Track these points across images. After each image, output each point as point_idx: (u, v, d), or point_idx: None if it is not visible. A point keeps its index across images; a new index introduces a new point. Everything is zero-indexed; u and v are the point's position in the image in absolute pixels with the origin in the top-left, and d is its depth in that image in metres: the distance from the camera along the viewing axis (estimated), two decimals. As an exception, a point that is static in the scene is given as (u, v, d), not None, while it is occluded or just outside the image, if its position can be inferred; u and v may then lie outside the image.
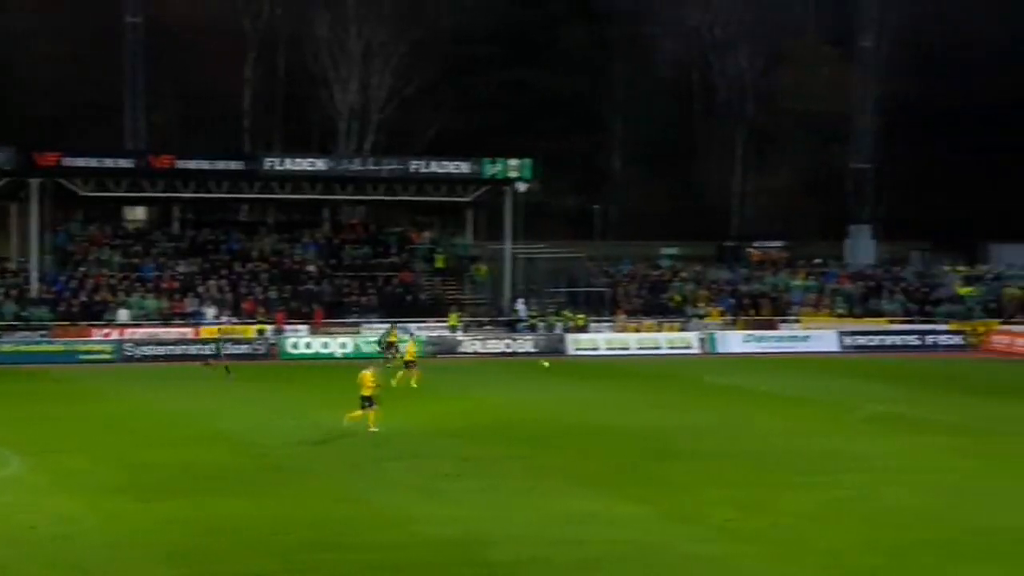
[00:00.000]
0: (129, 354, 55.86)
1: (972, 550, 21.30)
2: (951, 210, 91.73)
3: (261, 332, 58.76)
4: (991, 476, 28.17)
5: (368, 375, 33.61)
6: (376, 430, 32.88)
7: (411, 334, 53.96)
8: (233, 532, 22.28)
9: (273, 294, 62.57)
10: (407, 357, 45.33)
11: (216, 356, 50.31)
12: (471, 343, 59.93)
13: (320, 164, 64.65)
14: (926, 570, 20.13)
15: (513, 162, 64.58)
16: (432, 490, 26.16)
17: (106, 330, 57.75)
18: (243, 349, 56.63)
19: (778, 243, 79.10)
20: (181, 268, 63.59)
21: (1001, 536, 22.29)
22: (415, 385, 43.64)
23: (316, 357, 57.30)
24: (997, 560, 20.62)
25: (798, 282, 70.43)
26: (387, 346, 51.04)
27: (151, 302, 60.38)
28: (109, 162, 61.95)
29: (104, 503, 24.76)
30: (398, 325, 55.95)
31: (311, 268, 65.55)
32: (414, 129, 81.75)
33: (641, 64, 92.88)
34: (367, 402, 33.30)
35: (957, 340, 64.51)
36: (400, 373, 44.28)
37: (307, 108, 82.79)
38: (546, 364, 48.53)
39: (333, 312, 62.22)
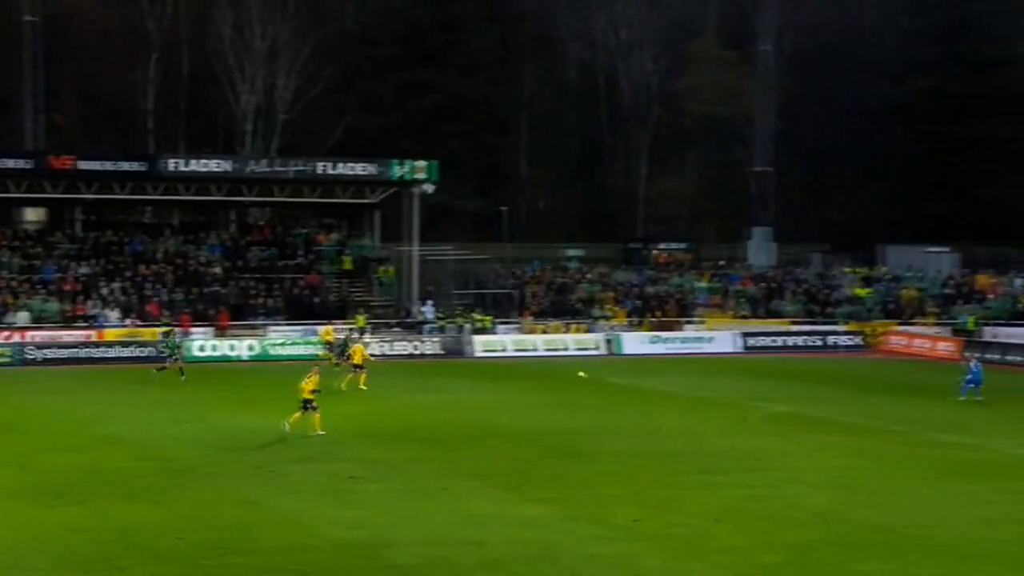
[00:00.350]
0: (29, 357, 54.80)
1: (871, 547, 21.64)
2: (848, 212, 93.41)
3: (166, 335, 57.97)
4: (888, 474, 28.66)
5: (313, 377, 33.14)
6: (322, 433, 32.53)
7: (358, 337, 53.42)
8: (133, 537, 21.96)
9: (178, 296, 61.81)
10: (355, 360, 44.87)
11: (171, 358, 48.22)
12: (377, 345, 59.63)
13: (225, 165, 63.96)
14: (826, 568, 20.40)
15: (419, 164, 64.45)
16: (337, 493, 26.01)
17: (5, 333, 56.63)
18: (146, 352, 55.86)
19: (682, 245, 79.86)
20: (83, 270, 62.55)
21: (898, 533, 22.69)
22: (364, 387, 43.49)
23: (222, 360, 56.69)
24: (895, 557, 20.98)
25: (702, 283, 71.12)
26: (342, 350, 50.18)
27: (52, 305, 59.32)
28: (9, 162, 60.82)
29: None
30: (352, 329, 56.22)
31: (216, 270, 64.83)
32: (319, 130, 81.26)
33: (547, 66, 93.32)
34: (307, 405, 32.87)
35: (856, 341, 65.53)
36: (349, 376, 43.94)
37: (211, 109, 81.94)
38: (583, 374, 46.39)
39: (238, 314, 61.62)
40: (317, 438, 32.29)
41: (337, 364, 48.22)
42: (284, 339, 59.06)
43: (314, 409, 32.82)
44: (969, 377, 42.04)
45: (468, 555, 21.03)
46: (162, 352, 49.72)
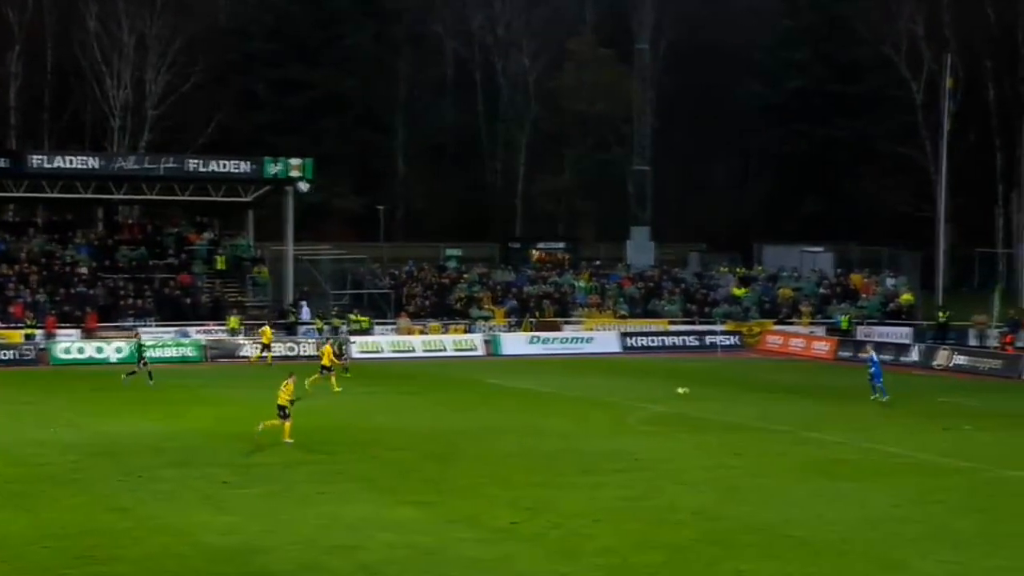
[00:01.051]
0: None
1: (748, 547, 21.99)
2: (726, 211, 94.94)
3: (29, 337, 56.80)
4: (764, 474, 29.16)
5: (290, 385, 32.50)
6: (291, 441, 31.89)
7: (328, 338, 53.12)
8: (-2, 547, 21.48)
9: (42, 297, 60.53)
10: (323, 362, 44.83)
11: (140, 362, 47.00)
12: (252, 347, 59.07)
13: (92, 162, 62.86)
14: (704, 567, 20.69)
15: (295, 161, 63.95)
16: (210, 498, 25.71)
17: None
18: (10, 355, 54.64)
19: (561, 244, 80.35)
20: (-58, 270, 61.02)
21: (775, 532, 23.09)
22: (338, 389, 43.82)
23: (89, 362, 55.65)
24: (772, 556, 21.34)
25: (581, 283, 71.64)
26: (340, 353, 49.45)
27: (-91, 306, 57.78)
28: None
29: None
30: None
31: (83, 270, 63.62)
32: (191, 127, 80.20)
33: (424, 64, 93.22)
34: (283, 412, 32.17)
35: (733, 340, 66.59)
36: (314, 376, 43.90)
37: (78, 104, 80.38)
38: (681, 391, 43.86)
39: (107, 316, 60.56)
40: (288, 446, 31.65)
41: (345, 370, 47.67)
42: (155, 341, 58.14)
43: (286, 417, 32.09)
44: (873, 371, 42.23)
45: (343, 560, 20.93)
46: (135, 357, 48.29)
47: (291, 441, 31.93)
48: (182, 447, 31.96)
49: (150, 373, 46.05)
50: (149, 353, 54.19)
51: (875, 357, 42.94)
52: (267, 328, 57.25)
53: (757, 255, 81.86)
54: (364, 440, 33.56)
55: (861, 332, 67.74)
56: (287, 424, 32.12)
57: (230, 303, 63.91)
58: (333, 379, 44.04)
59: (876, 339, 64.65)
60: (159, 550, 21.51)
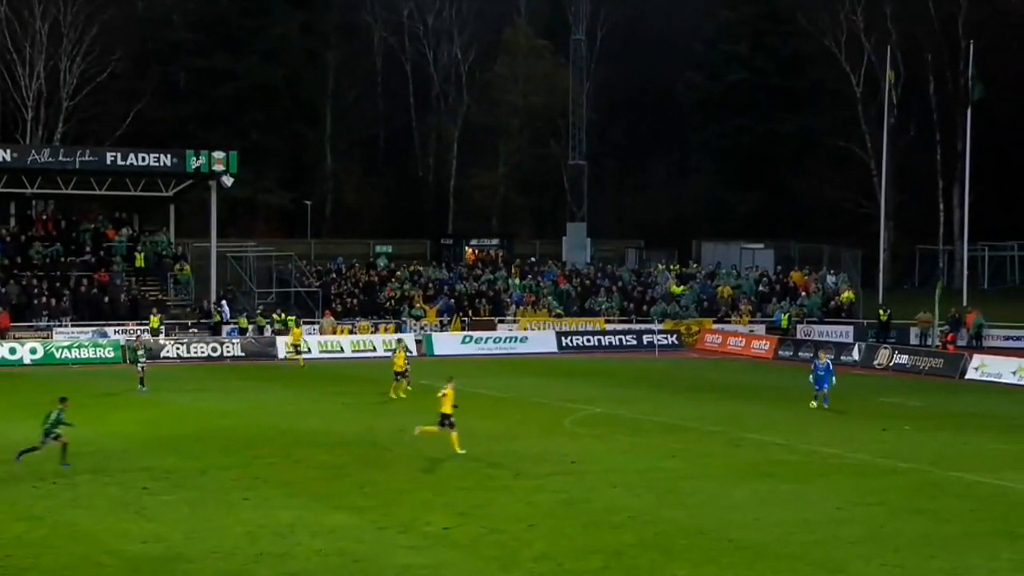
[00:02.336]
0: None
1: (686, 551, 22.15)
2: (664, 207, 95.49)
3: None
4: (702, 476, 29.36)
5: (450, 391, 31.45)
6: (463, 452, 30.88)
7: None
8: (-95, 558, 21.16)
9: (-48, 296, 59.77)
10: (396, 368, 43.59)
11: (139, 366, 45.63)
12: (174, 347, 58.64)
13: (4, 155, 61.98)
14: (641, 572, 20.81)
15: (217, 155, 63.47)
16: (130, 506, 25.48)
17: None
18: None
19: (495, 241, 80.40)
20: None
21: (713, 535, 23.27)
22: (403, 395, 42.93)
23: (2, 364, 54.94)
24: (709, 560, 21.52)
25: (515, 281, 71.72)
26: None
27: None
28: None
29: None
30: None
31: (-5, 268, 62.84)
32: (108, 118, 79.40)
33: (352, 54, 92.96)
34: (445, 421, 31.21)
35: (671, 339, 66.99)
36: (393, 384, 43.26)
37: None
38: (814, 405, 41.25)
39: (20, 315, 59.81)
40: (459, 456, 30.72)
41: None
42: (71, 341, 57.58)
43: (451, 426, 31.07)
44: (822, 374, 40.78)
45: (271, 569, 20.84)
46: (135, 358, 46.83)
47: (463, 451, 30.86)
48: (98, 452, 31.62)
49: (142, 379, 44.74)
50: (64, 354, 53.72)
51: (830, 364, 41.66)
52: (296, 328, 56.98)
53: (696, 252, 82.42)
54: (290, 444, 33.39)
55: (801, 331, 68.46)
56: (454, 434, 30.99)
57: (150, 302, 63.35)
58: (405, 384, 43.11)
59: (816, 338, 65.46)
60: (76, 560, 21.30)
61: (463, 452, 30.86)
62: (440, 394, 31.67)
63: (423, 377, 50.19)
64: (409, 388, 43.52)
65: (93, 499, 26.15)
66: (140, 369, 45.12)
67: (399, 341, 51.61)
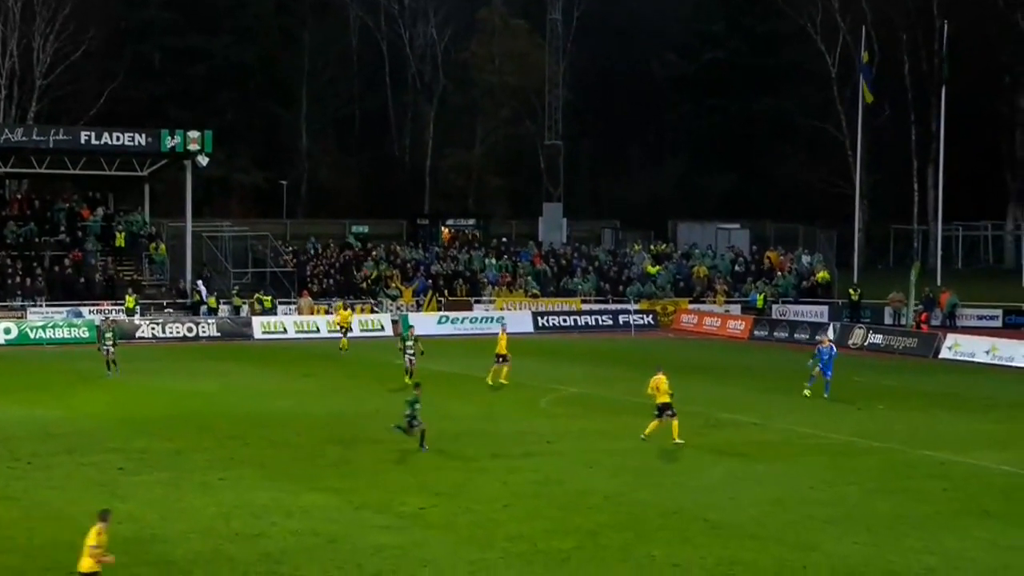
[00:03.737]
0: None
1: (661, 531, 22.23)
2: (640, 187, 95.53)
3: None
4: (677, 456, 29.46)
5: (663, 379, 30.40)
6: (681, 442, 30.02)
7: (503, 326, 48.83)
8: None
9: (-75, 276, 59.43)
10: (499, 350, 41.62)
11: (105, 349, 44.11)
12: (149, 327, 58.45)
13: (-25, 134, 61.62)
14: (616, 552, 20.88)
15: (192, 134, 63.13)
16: (104, 486, 25.42)
17: None
18: None
19: (471, 221, 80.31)
20: None
21: (688, 516, 23.37)
22: (504, 382, 41.29)
23: (-25, 344, 54.74)
24: (684, 541, 21.60)
25: (491, 261, 71.69)
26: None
27: None
28: None
29: None
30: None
31: (-32, 247, 62.50)
32: (82, 97, 78.93)
33: (328, 33, 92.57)
34: (666, 410, 30.21)
35: (647, 319, 67.07)
36: (494, 368, 41.71)
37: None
38: (808, 392, 38.83)
39: (-6, 295, 59.60)
40: (674, 446, 29.92)
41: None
42: (46, 321, 57.34)
43: (673, 415, 30.21)
44: (826, 359, 38.85)
45: (246, 548, 20.83)
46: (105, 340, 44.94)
47: (681, 441, 30.05)
48: (72, 433, 31.56)
49: (113, 362, 43.52)
50: (39, 335, 53.48)
51: (833, 349, 39.89)
52: (343, 309, 56.13)
53: (671, 232, 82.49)
54: (266, 424, 33.36)
55: (777, 311, 68.67)
56: (675, 422, 30.11)
57: (126, 282, 63.12)
58: (506, 370, 40.85)
59: (791, 318, 65.64)
60: (51, 540, 21.26)
61: (681, 442, 29.92)
62: (655, 384, 30.48)
63: (399, 358, 50.24)
64: (504, 380, 41.18)
65: (67, 480, 26.09)
66: (107, 352, 43.70)
67: (501, 321, 49.28)
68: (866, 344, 57.17)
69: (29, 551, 20.63)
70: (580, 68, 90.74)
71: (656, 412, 30.35)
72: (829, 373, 38.83)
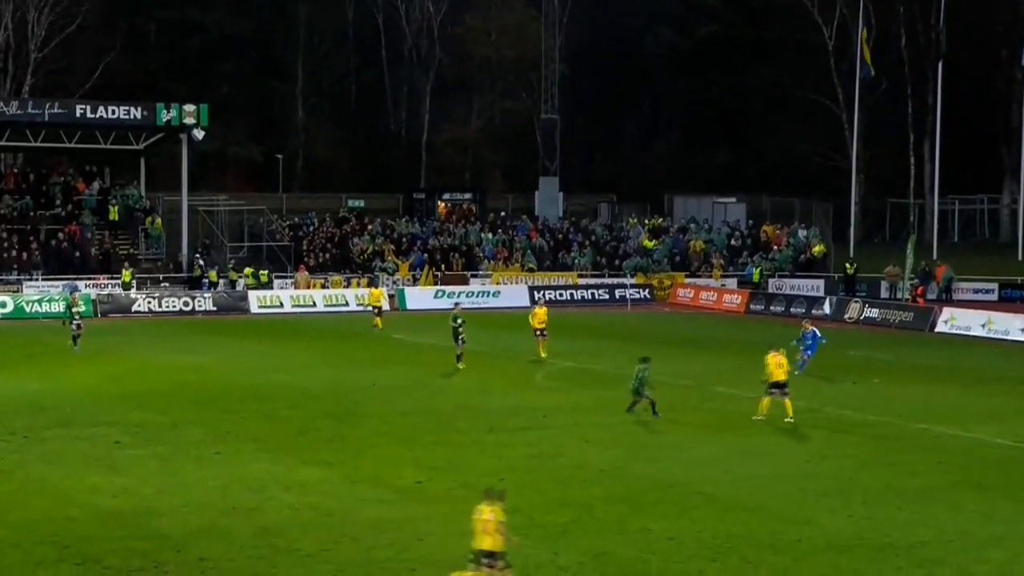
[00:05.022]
0: None
1: (656, 504, 22.24)
2: (636, 161, 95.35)
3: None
4: (673, 430, 29.44)
5: (779, 358, 30.04)
6: (792, 420, 29.42)
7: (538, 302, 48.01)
8: None
9: (-80, 250, 59.32)
10: (538, 324, 41.57)
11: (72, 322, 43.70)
12: (146, 301, 58.41)
13: (-29, 108, 61.43)
14: (612, 525, 20.89)
15: (188, 108, 62.97)
16: (101, 460, 25.41)
17: None
18: None
19: (467, 195, 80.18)
20: None
21: (682, 489, 23.38)
22: (544, 355, 41.22)
23: (-30, 319, 54.68)
24: (679, 514, 21.61)
25: (488, 235, 71.61)
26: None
27: None
28: None
29: None
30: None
31: (-36, 222, 62.39)
32: (77, 71, 78.65)
33: (323, 6, 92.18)
34: (781, 387, 29.74)
35: (643, 294, 67.07)
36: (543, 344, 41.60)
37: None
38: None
39: (-10, 269, 59.55)
40: (786, 424, 29.30)
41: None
42: (41, 295, 57.28)
43: (785, 394, 29.71)
44: (809, 343, 38.87)
45: (243, 522, 20.83)
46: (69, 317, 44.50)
47: (792, 419, 29.47)
48: (67, 406, 31.54)
49: (77, 336, 42.93)
50: (35, 308, 53.42)
51: (817, 333, 39.58)
52: (375, 288, 55.20)
53: (668, 206, 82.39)
54: (262, 398, 33.35)
55: (773, 285, 68.67)
56: (788, 400, 29.66)
57: (122, 256, 63.02)
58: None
59: (787, 292, 65.64)
60: (47, 514, 21.24)
61: (792, 420, 29.43)
62: (771, 361, 30.01)
63: (396, 331, 50.32)
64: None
65: (63, 454, 26.07)
66: (75, 327, 43.08)
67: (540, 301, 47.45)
68: (862, 318, 57.17)
69: (24, 525, 20.61)
70: (576, 42, 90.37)
71: (769, 390, 29.84)
72: (810, 354, 38.55)
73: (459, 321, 39.43)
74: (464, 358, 38.77)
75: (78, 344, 42.72)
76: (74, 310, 44.37)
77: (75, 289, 53.30)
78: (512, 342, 46.89)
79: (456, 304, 44.28)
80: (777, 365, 29.97)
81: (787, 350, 31.56)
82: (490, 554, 16.56)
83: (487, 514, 16.75)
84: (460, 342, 39.16)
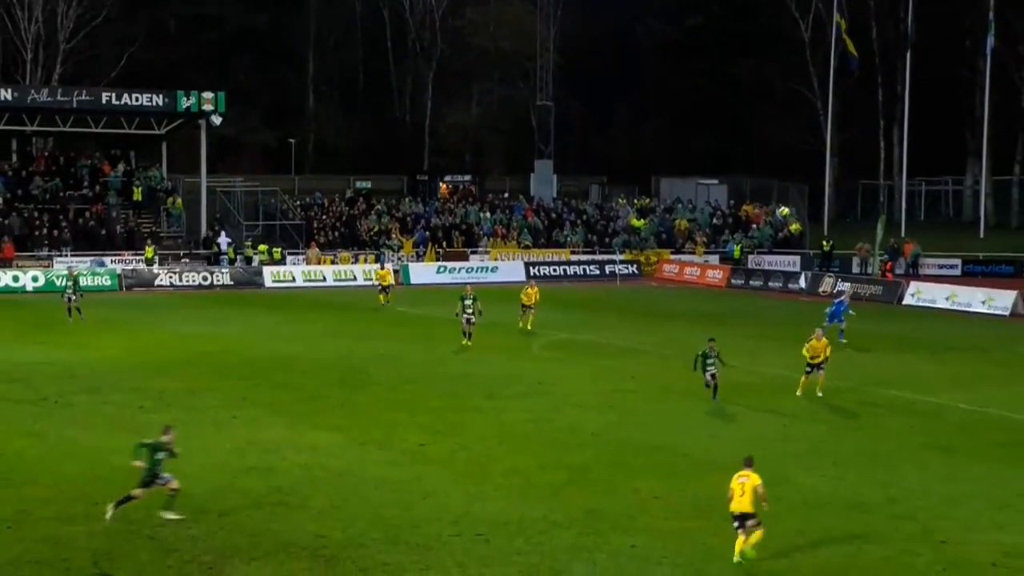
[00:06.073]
0: None
1: (645, 467, 22.25)
2: (625, 145, 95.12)
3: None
4: (660, 397, 29.47)
5: (820, 344, 29.22)
6: (820, 395, 28.89)
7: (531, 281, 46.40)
8: (-85, 474, 21.04)
9: (-43, 228, 59.15)
10: (527, 301, 41.25)
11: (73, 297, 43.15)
12: (167, 276, 58.33)
13: (5, 94, 61.14)
14: (603, 486, 20.90)
15: (207, 95, 62.79)
16: (126, 424, 25.36)
17: None
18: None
19: (467, 177, 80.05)
20: None
21: (670, 452, 23.39)
22: (531, 328, 40.81)
23: (5, 291, 54.56)
24: (666, 476, 21.62)
25: (486, 215, 71.53)
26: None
27: None
28: None
29: None
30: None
31: (-2, 201, 62.20)
32: (104, 61, 78.36)
33: (334, 1, 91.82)
34: (819, 366, 29.12)
35: (632, 269, 67.04)
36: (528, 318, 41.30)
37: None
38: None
39: (23, 246, 59.35)
40: (818, 398, 28.81)
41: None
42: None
43: (820, 369, 29.01)
44: (843, 309, 39.08)
45: (258, 481, 20.83)
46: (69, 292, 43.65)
47: (820, 394, 28.86)
48: (94, 374, 31.51)
49: (78, 308, 42.72)
50: (64, 283, 53.33)
51: (845, 302, 39.68)
52: (382, 268, 53.49)
53: (655, 187, 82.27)
54: (276, 367, 33.31)
55: (752, 261, 68.61)
56: (822, 376, 29.02)
57: (145, 233, 62.92)
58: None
59: (766, 267, 65.62)
60: (74, 474, 21.25)
61: (820, 395, 28.86)
62: (822, 346, 29.34)
63: (400, 304, 50.28)
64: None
65: (90, 418, 26.06)
66: (68, 300, 42.64)
67: (531, 282, 45.70)
68: (835, 291, 57.10)
69: (56, 484, 20.62)
70: (569, 34, 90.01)
71: (808, 369, 29.18)
72: (842, 322, 38.61)
73: (470, 300, 37.90)
74: (474, 336, 37.45)
75: (71, 315, 42.12)
76: (68, 284, 43.79)
77: (70, 267, 52.76)
78: (510, 315, 46.83)
79: (468, 286, 41.94)
80: (823, 348, 29.23)
81: (824, 330, 30.64)
82: (746, 515, 16.90)
83: (743, 477, 17.11)
84: (471, 319, 37.65)
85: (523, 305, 41.67)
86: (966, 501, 20.26)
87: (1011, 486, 21.30)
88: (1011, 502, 20.33)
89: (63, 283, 46.91)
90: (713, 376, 28.05)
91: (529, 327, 41.15)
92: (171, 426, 19.22)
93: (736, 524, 16.94)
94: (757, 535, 16.86)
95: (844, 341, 37.96)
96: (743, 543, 16.81)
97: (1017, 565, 17.21)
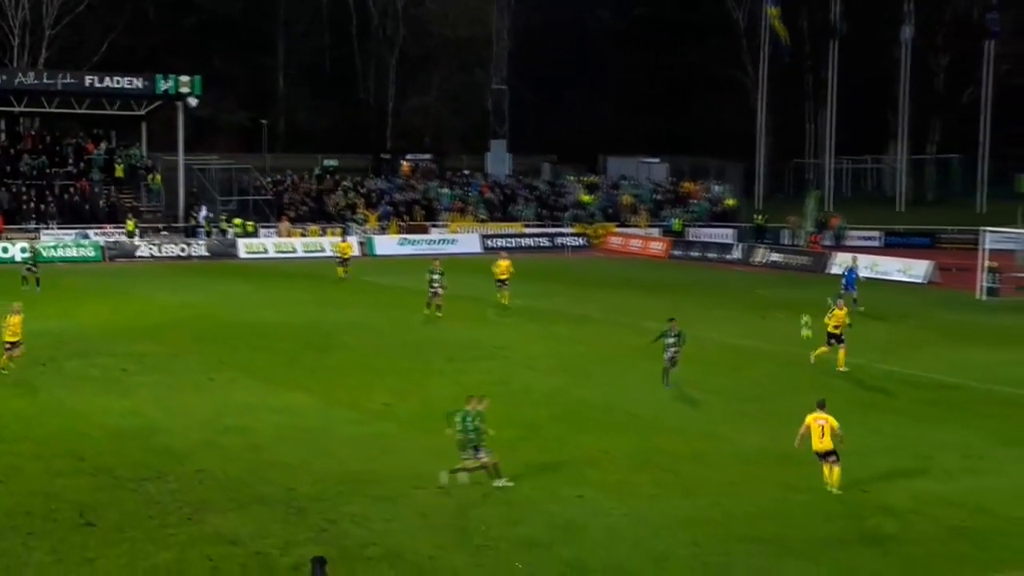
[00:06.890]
0: None
1: (593, 424, 22.38)
2: (575, 126, 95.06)
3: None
4: (607, 360, 29.58)
5: (839, 312, 28.46)
6: (845, 369, 27.99)
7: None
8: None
9: (-51, 203, 58.29)
10: (499, 275, 39.46)
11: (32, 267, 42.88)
12: (147, 248, 57.82)
13: (-7, 77, 60.26)
14: (555, 441, 21.02)
15: (184, 78, 62.12)
16: (111, 385, 25.25)
17: None
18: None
19: (428, 156, 79.80)
20: None
21: (615, 410, 23.53)
22: (506, 303, 39.12)
23: (-6, 262, 53.86)
24: (612, 431, 21.77)
25: (445, 191, 71.35)
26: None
27: None
28: None
29: None
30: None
31: (-14, 177, 61.33)
32: (87, 46, 77.34)
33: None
34: (833, 339, 28.40)
35: (581, 241, 67.10)
36: (503, 293, 39.45)
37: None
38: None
39: (11, 219, 58.62)
40: (838, 374, 27.83)
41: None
42: (56, 242, 56.58)
43: (840, 342, 28.32)
44: (855, 277, 38.85)
45: (235, 439, 20.80)
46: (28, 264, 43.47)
47: (845, 369, 27.98)
48: (79, 339, 31.25)
49: (37, 280, 42.29)
50: (51, 253, 52.72)
51: (856, 271, 39.42)
52: (343, 242, 52.08)
53: (602, 166, 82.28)
54: (251, 332, 33.15)
55: (691, 233, 68.83)
56: (842, 351, 28.24)
57: (126, 208, 62.29)
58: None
59: (704, 239, 65.85)
60: (64, 430, 21.15)
61: (845, 370, 27.93)
62: (842, 317, 28.66)
63: (367, 275, 50.10)
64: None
65: (77, 380, 25.88)
66: (28, 270, 42.48)
67: (502, 253, 44.45)
68: (767, 262, 57.47)
69: (45, 440, 20.51)
70: (523, 23, 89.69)
71: (830, 340, 28.49)
72: (854, 291, 38.54)
73: (437, 275, 37.12)
74: (442, 307, 36.65)
75: (25, 284, 42.07)
76: (28, 256, 43.73)
77: (31, 241, 52.07)
78: (469, 283, 46.79)
79: (436, 261, 40.59)
80: (843, 316, 28.57)
81: (837, 300, 29.90)
82: (828, 452, 18.42)
83: (820, 420, 18.52)
84: (438, 292, 36.81)
85: (497, 280, 40.12)
86: (890, 453, 20.51)
87: (926, 439, 21.59)
88: (929, 453, 20.61)
89: (25, 255, 46.90)
90: (672, 359, 25.63)
91: (505, 302, 39.40)
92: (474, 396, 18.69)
93: (821, 460, 18.41)
94: (837, 472, 18.29)
95: (861, 308, 37.53)
96: (829, 476, 18.35)
97: (933, 512, 17.46)
